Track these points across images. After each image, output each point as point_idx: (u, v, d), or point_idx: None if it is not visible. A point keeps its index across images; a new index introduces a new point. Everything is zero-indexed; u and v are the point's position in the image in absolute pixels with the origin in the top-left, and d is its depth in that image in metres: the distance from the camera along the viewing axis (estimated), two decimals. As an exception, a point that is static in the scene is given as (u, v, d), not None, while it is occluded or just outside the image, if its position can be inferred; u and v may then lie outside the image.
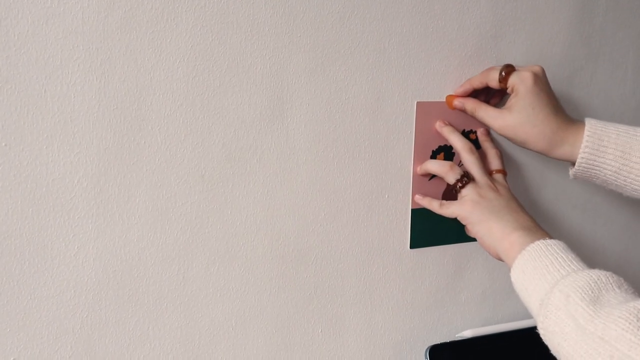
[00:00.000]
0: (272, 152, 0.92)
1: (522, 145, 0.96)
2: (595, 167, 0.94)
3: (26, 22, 0.76)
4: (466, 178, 0.95)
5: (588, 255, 1.20)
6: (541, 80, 0.96)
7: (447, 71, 1.02)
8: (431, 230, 1.05)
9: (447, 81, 1.02)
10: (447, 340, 1.07)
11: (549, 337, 0.77)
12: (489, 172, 0.99)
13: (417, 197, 1.02)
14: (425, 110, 1.01)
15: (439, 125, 1.02)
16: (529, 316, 1.06)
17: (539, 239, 0.85)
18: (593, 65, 1.14)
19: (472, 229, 0.93)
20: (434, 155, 1.03)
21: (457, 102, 1.01)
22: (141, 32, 0.82)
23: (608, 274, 0.77)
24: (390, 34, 0.97)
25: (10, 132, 0.77)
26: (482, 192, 0.94)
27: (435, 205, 0.99)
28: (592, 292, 0.75)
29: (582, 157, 0.93)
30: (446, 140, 1.02)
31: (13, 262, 0.80)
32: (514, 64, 0.98)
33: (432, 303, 1.07)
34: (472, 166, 0.97)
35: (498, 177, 1.00)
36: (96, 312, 0.85)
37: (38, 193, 0.79)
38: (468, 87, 1.01)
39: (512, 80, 0.96)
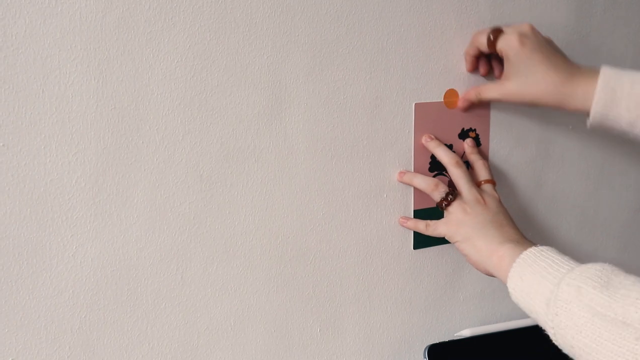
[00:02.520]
0: (271, 152, 0.92)
1: (534, 105, 0.96)
2: (610, 119, 0.92)
3: (24, 22, 0.76)
4: (451, 195, 0.95)
5: (587, 254, 1.20)
6: (530, 39, 0.95)
7: (446, 71, 1.02)
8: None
9: (446, 81, 1.02)
10: (446, 339, 1.07)
11: (562, 333, 0.76)
12: (477, 184, 0.99)
13: (401, 221, 1.02)
14: (423, 111, 1.01)
15: (424, 140, 1.01)
16: (527, 315, 1.06)
17: (529, 248, 0.85)
18: (592, 64, 1.13)
19: (459, 247, 0.94)
20: (434, 156, 1.03)
21: (461, 104, 1.02)
22: (139, 32, 0.81)
23: (610, 264, 0.77)
24: (388, 33, 0.96)
25: (8, 133, 0.77)
26: (468, 207, 0.94)
27: (422, 227, 0.99)
28: (602, 279, 0.74)
29: (596, 110, 0.92)
30: (445, 140, 1.03)
31: (11, 262, 0.80)
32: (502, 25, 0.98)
33: (430, 302, 1.07)
34: (459, 180, 0.97)
35: (487, 187, 0.99)
36: (94, 312, 0.85)
37: (36, 193, 0.79)
38: (469, 59, 1.02)
39: (500, 45, 0.96)
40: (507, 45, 0.95)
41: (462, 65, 1.03)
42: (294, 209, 0.95)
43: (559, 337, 0.77)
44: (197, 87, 0.86)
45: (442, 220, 0.96)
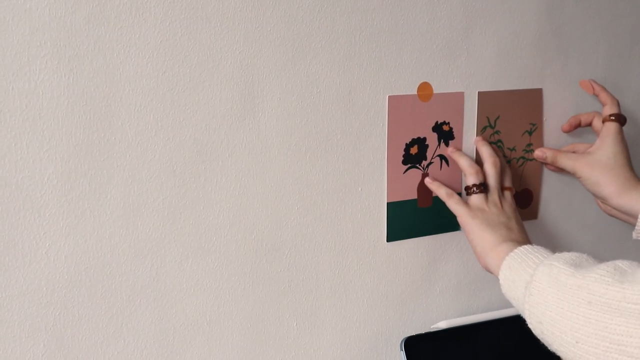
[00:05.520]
0: (244, 147, 0.92)
1: (593, 185, 1.05)
2: None
3: (-8, 18, 0.75)
4: (483, 187, 1.00)
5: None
6: (623, 133, 1.07)
7: (419, 64, 1.02)
8: (407, 223, 1.05)
9: (419, 74, 1.02)
10: (422, 331, 1.07)
11: (534, 312, 0.81)
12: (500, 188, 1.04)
13: (427, 180, 1.05)
14: (397, 104, 1.01)
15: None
16: (503, 306, 1.07)
17: (524, 245, 0.90)
18: (564, 56, 1.15)
19: (468, 236, 0.98)
20: (407, 149, 1.03)
21: (538, 153, 1.12)
22: (109, 28, 0.81)
23: (588, 254, 0.83)
24: (361, 27, 0.97)
25: (-23, 130, 0.76)
26: (488, 204, 0.99)
27: (443, 193, 1.03)
28: (574, 261, 0.80)
29: None
30: (419, 133, 1.03)
31: (-17, 260, 0.79)
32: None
33: (407, 295, 1.08)
34: (490, 179, 1.03)
35: (507, 194, 1.04)
36: (69, 310, 0.85)
37: (7, 191, 0.79)
38: (573, 123, 1.14)
39: (606, 125, 1.07)
40: (611, 128, 1.06)
41: (434, 59, 1.03)
42: (269, 204, 0.95)
43: (532, 317, 0.81)
44: (169, 83, 0.86)
45: (462, 201, 1.00)
